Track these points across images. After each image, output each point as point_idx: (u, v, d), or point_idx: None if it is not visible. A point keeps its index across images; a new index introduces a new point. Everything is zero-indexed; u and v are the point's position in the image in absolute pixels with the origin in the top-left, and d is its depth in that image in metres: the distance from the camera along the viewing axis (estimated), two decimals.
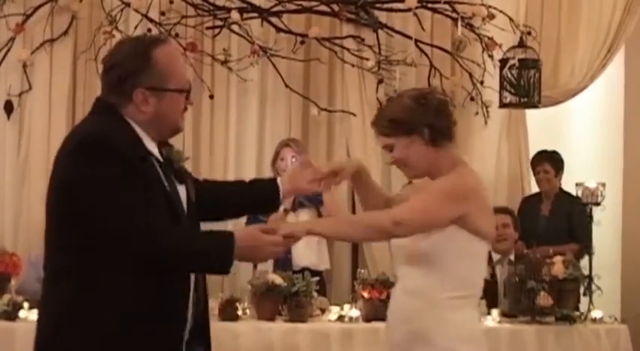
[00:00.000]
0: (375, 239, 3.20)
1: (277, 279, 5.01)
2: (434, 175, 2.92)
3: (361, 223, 2.93)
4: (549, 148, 6.74)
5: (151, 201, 2.34)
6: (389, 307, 3.01)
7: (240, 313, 5.04)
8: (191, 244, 2.48)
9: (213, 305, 4.68)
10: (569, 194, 6.31)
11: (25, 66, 5.98)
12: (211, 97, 6.15)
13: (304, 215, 5.72)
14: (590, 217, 5.92)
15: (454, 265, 2.86)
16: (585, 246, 5.91)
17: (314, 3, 6.17)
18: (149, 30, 5.97)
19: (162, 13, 6.00)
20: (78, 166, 2.26)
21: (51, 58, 6.11)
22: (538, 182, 6.39)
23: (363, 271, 5.52)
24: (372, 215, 2.94)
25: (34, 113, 6.02)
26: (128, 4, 5.93)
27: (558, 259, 5.27)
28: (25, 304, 4.86)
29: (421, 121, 2.82)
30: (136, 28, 6.00)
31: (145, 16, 5.96)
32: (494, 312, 5.21)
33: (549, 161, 6.31)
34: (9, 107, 5.89)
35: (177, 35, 5.97)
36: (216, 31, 6.14)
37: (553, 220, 6.27)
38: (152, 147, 2.54)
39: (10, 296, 4.90)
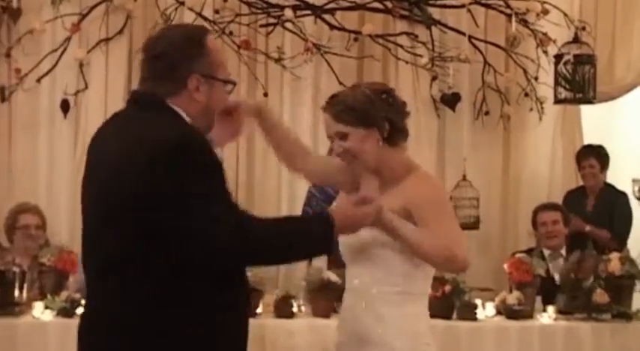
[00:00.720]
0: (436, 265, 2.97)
1: (332, 276, 5.06)
2: (382, 174, 2.93)
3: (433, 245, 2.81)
4: (604, 143, 6.78)
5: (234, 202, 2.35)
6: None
7: (295, 310, 5.15)
8: (288, 229, 2.45)
9: (269, 302, 4.95)
10: (614, 188, 6.45)
11: (81, 65, 6.14)
12: (265, 94, 6.27)
13: None
14: (630, 211, 6.31)
15: (395, 260, 2.86)
16: (620, 238, 6.09)
17: (367, 0, 6.29)
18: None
19: (217, 11, 6.18)
20: (172, 177, 2.23)
21: (107, 57, 6.30)
22: (583, 177, 6.41)
23: None
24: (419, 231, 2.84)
25: (90, 112, 6.18)
26: (182, 3, 6.13)
27: (615, 255, 5.29)
28: (82, 302, 4.78)
29: (383, 116, 2.84)
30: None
31: (199, 14, 6.12)
32: (550, 309, 5.26)
33: (595, 156, 6.36)
34: (65, 106, 6.04)
35: (231, 33, 6.15)
36: (270, 28, 6.28)
37: (596, 215, 6.31)
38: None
39: (67, 293, 5.01)
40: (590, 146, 6.44)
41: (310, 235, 2.40)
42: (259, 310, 5.07)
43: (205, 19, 6.14)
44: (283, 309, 5.05)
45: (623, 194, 6.45)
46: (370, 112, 2.78)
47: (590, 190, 6.38)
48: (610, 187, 6.48)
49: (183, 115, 2.41)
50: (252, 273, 4.25)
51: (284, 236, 2.37)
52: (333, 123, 2.82)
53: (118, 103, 6.08)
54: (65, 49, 6.13)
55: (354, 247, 2.81)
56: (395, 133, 2.81)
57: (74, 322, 4.63)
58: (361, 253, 2.80)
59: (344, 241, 2.72)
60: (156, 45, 2.47)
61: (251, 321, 2.79)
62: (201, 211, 2.22)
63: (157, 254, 2.24)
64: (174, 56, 2.42)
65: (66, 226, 6.20)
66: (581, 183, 6.47)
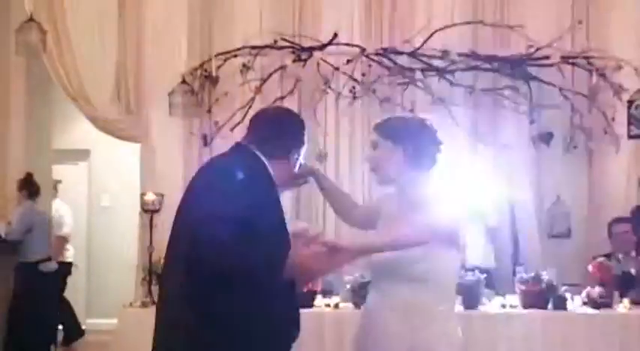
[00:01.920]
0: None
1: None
2: (405, 194, 3.28)
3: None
4: None
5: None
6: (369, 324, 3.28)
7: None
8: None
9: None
10: None
11: None
12: None
13: (473, 226, 7.07)
14: None
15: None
16: None
17: (479, 63, 7.37)
18: (353, 87, 7.38)
19: (363, 74, 7.33)
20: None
21: None
22: None
23: (519, 268, 6.59)
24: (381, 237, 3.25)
25: None
26: (337, 69, 7.34)
27: None
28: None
29: (412, 139, 3.21)
30: (343, 86, 7.42)
31: (351, 76, 7.33)
32: (625, 301, 6.12)
33: None
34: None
35: (374, 91, 7.33)
36: (405, 86, 7.40)
37: None
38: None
39: None
40: None
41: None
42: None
43: (355, 80, 7.33)
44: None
45: None
46: (401, 133, 3.19)
47: None
48: None
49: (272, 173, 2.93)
50: None
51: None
52: (373, 132, 3.29)
53: None
54: (251, 106, 7.22)
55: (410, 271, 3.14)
56: (420, 158, 3.18)
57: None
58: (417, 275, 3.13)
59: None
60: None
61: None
62: None
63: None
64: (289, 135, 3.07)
65: None
66: None
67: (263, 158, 2.90)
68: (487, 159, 7.71)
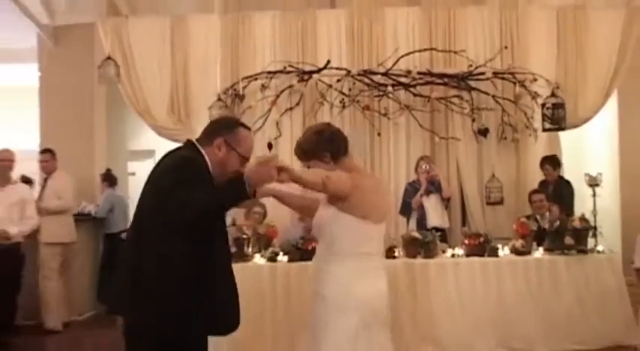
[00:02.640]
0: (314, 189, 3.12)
1: (417, 234, 6.42)
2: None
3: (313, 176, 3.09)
4: (574, 153, 8.29)
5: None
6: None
7: (396, 254, 6.31)
8: (211, 194, 2.79)
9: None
10: (563, 178, 7.58)
11: (277, 124, 7.73)
12: (379, 134, 7.78)
13: (433, 198, 7.38)
14: (572, 192, 7.39)
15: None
16: (567, 208, 7.14)
17: (434, 78, 7.71)
18: (342, 99, 7.65)
19: (349, 90, 7.72)
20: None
21: (291, 118, 7.85)
22: (545, 175, 7.53)
23: (464, 228, 7.13)
24: (319, 172, 3.14)
25: (283, 150, 7.51)
26: (330, 86, 7.72)
27: (577, 216, 6.57)
28: (280, 253, 6.27)
29: (323, 149, 3.22)
30: (335, 98, 7.72)
31: (341, 92, 7.69)
32: (540, 249, 6.37)
33: (550, 162, 7.54)
34: (270, 146, 7.54)
35: (358, 101, 7.69)
36: (380, 97, 7.72)
37: (555, 195, 7.27)
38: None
39: (272, 249, 6.36)
40: (547, 157, 7.60)
41: (229, 190, 2.80)
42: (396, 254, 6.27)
43: (344, 94, 7.70)
44: (389, 254, 6.16)
45: (568, 182, 7.55)
46: (313, 150, 3.23)
47: (549, 181, 7.50)
48: (561, 179, 7.60)
49: (207, 158, 2.93)
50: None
51: (213, 197, 2.79)
52: (300, 160, 3.31)
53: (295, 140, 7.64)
54: (268, 116, 7.73)
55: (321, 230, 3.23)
56: (337, 156, 3.23)
57: (277, 265, 6.00)
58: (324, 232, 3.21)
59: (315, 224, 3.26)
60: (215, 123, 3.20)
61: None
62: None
63: None
64: (216, 127, 3.06)
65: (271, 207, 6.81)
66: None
67: (200, 147, 2.96)
68: (442, 148, 8.02)
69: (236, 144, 2.98)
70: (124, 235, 8.22)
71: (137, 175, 9.86)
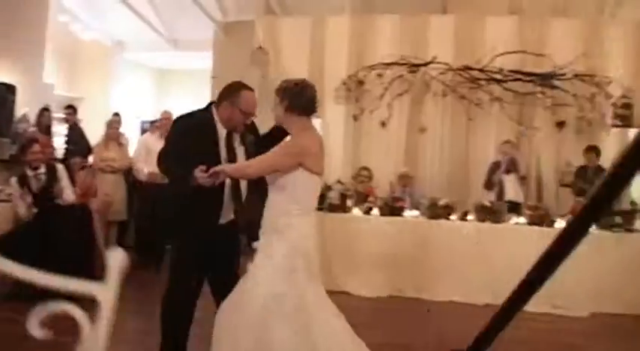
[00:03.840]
0: (244, 178, 3.69)
1: (487, 202, 7.78)
2: (290, 133, 3.54)
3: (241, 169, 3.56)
4: None
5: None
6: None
7: (468, 218, 7.41)
8: (171, 167, 3.70)
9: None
10: (601, 166, 7.94)
11: (389, 106, 9.13)
12: (470, 119, 8.93)
13: (511, 176, 8.29)
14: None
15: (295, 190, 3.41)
16: None
17: (522, 76, 8.65)
18: (444, 90, 8.83)
19: (450, 81, 8.92)
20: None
21: (400, 102, 9.15)
22: (587, 161, 8.08)
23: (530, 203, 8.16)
24: (244, 165, 3.60)
25: (393, 129, 9.15)
26: (434, 77, 8.96)
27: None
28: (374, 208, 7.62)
29: (287, 96, 3.44)
30: (438, 88, 9.02)
31: (443, 82, 8.97)
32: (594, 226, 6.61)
33: (594, 150, 8.12)
34: (383, 124, 9.09)
35: (456, 91, 8.87)
36: (475, 89, 8.88)
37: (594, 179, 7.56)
38: (220, 129, 3.71)
39: (367, 204, 7.69)
40: (591, 146, 8.20)
41: (177, 177, 3.65)
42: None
43: (445, 84, 8.87)
44: (463, 217, 7.43)
45: (604, 169, 7.58)
46: (281, 94, 3.48)
47: (589, 167, 8.05)
48: (600, 166, 7.95)
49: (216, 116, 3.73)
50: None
51: (169, 169, 3.72)
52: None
53: (405, 119, 9.22)
54: (381, 99, 9.05)
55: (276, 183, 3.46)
56: (292, 108, 3.43)
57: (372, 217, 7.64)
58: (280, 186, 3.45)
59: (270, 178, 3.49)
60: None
61: None
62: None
63: None
64: (224, 92, 3.76)
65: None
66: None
67: (213, 108, 3.77)
68: (525, 136, 9.01)
69: (238, 103, 3.75)
70: None
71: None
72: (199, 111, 3.94)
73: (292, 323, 3.25)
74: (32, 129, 8.62)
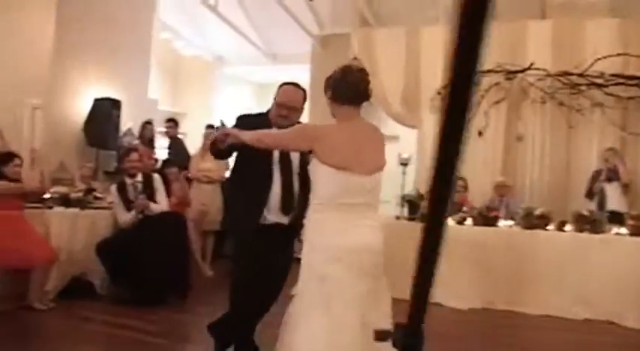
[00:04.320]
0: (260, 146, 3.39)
1: (585, 212, 7.56)
2: None
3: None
4: None
5: None
6: None
7: (566, 228, 7.14)
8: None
9: None
10: None
11: (485, 114, 8.96)
12: (570, 127, 8.71)
13: (613, 185, 8.03)
14: None
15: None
16: None
17: (624, 80, 8.36)
18: (542, 96, 8.66)
19: (548, 87, 8.75)
20: None
21: (497, 110, 9.06)
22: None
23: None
24: (263, 133, 3.40)
25: (489, 137, 9.01)
26: (532, 84, 8.81)
27: None
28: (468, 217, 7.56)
29: (330, 85, 3.21)
30: (536, 95, 8.89)
31: (541, 89, 8.76)
32: None
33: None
34: (480, 133, 8.94)
35: (555, 98, 8.66)
36: (575, 95, 8.64)
37: None
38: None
39: (460, 214, 7.56)
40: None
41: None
42: None
43: (543, 91, 8.70)
44: (560, 227, 7.31)
45: None
46: (327, 82, 3.24)
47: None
48: None
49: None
50: None
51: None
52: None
53: (502, 127, 9.04)
54: (478, 108, 8.88)
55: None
56: (334, 97, 3.19)
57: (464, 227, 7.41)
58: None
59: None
60: None
61: None
62: None
63: None
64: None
65: None
66: None
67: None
68: (629, 143, 8.69)
69: (276, 96, 3.88)
70: None
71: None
72: (259, 112, 3.98)
73: (299, 324, 3.04)
74: (135, 141, 8.95)
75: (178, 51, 12.23)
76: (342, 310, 2.98)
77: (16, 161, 6.48)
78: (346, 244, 3.04)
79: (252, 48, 11.62)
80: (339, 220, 3.08)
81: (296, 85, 3.87)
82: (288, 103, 3.78)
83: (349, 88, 3.14)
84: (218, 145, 3.54)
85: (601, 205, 8.16)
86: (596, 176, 8.35)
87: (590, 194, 8.45)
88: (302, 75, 10.94)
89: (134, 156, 7.01)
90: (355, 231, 3.07)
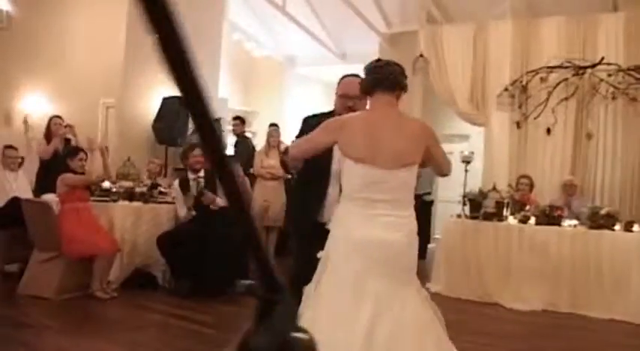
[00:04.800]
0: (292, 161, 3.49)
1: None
2: None
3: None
4: None
5: None
6: None
7: (634, 228, 6.95)
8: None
9: None
10: None
11: (553, 111, 8.63)
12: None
13: None
14: None
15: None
16: None
17: None
18: (613, 92, 8.26)
19: (619, 83, 8.29)
20: None
21: (566, 107, 8.67)
22: None
23: None
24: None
25: (558, 135, 8.70)
26: (602, 80, 8.38)
27: None
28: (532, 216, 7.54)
29: (366, 73, 3.22)
30: (606, 91, 8.38)
31: (611, 84, 8.32)
32: None
33: None
34: (549, 131, 8.67)
35: (627, 94, 8.21)
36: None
37: None
38: None
39: (523, 212, 7.48)
40: None
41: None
42: None
43: (614, 87, 8.24)
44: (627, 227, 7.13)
45: None
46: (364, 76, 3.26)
47: None
48: None
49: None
50: None
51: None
52: None
53: (571, 125, 8.68)
54: (546, 104, 8.62)
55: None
56: (365, 91, 3.20)
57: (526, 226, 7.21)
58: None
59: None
60: None
61: None
62: None
63: None
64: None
65: None
66: None
67: None
68: None
69: (337, 90, 3.84)
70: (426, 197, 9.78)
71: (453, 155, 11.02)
72: (324, 112, 3.95)
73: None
74: None
75: (250, 52, 12.40)
76: (347, 303, 2.91)
77: (81, 155, 6.81)
78: (359, 238, 2.96)
79: (322, 48, 11.64)
80: (357, 215, 2.99)
81: (355, 75, 3.74)
82: (350, 92, 3.68)
83: (374, 76, 3.11)
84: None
85: None
86: None
87: None
88: None
89: (197, 151, 7.07)
90: (371, 225, 2.97)
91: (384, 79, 3.10)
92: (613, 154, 8.62)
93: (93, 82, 9.57)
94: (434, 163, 3.25)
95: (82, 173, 6.67)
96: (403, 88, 3.18)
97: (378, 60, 3.25)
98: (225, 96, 10.96)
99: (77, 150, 6.90)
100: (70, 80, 9.85)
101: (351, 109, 3.55)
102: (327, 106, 4.08)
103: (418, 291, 3.11)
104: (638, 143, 8.52)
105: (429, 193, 10.06)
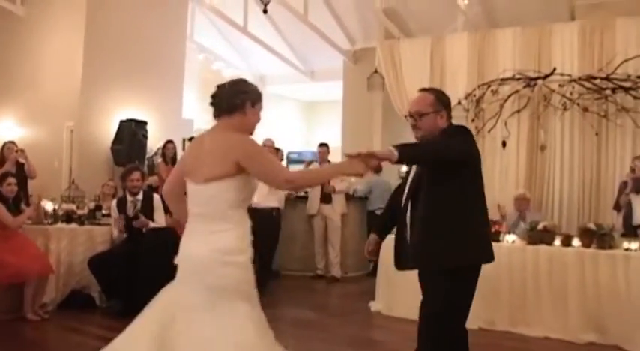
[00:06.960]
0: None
1: (591, 226, 6.92)
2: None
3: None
4: None
5: None
6: None
7: (573, 243, 6.38)
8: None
9: None
10: None
11: (505, 124, 8.31)
12: (596, 134, 7.91)
13: None
14: None
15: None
16: None
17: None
18: (564, 102, 7.89)
19: (570, 93, 7.89)
20: None
21: (518, 120, 8.37)
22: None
23: None
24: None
25: (512, 149, 8.33)
26: (554, 90, 8.03)
27: None
28: None
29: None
30: (559, 102, 8.02)
31: (563, 95, 7.96)
32: None
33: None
34: (504, 144, 8.30)
35: (578, 104, 7.85)
36: (599, 100, 7.81)
37: None
38: None
39: None
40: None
41: None
42: None
43: (566, 97, 7.90)
44: (565, 241, 6.42)
45: None
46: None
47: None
48: None
49: None
50: None
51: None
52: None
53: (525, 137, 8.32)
54: (498, 117, 8.35)
55: None
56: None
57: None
58: None
59: None
60: None
61: None
62: None
63: None
64: None
65: None
66: None
67: None
68: None
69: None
70: (378, 212, 9.45)
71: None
72: None
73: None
74: (159, 160, 8.99)
75: (219, 72, 12.22)
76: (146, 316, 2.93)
77: (9, 180, 6.77)
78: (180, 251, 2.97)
79: (289, 66, 11.42)
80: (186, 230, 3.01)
81: (421, 90, 3.52)
82: (410, 110, 3.41)
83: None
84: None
85: (627, 219, 7.30)
86: (623, 187, 7.49)
87: (617, 207, 7.58)
88: (339, 91, 10.81)
89: (135, 175, 7.08)
90: (188, 239, 2.95)
91: (213, 104, 3.16)
92: (570, 165, 8.22)
93: (57, 107, 9.53)
94: (255, 177, 3.00)
95: (15, 197, 6.67)
96: (230, 107, 3.07)
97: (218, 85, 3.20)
98: (190, 117, 10.79)
99: (5, 175, 6.88)
100: (38, 105, 9.86)
101: (416, 128, 3.37)
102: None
103: (230, 312, 2.83)
104: (591, 154, 8.11)
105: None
